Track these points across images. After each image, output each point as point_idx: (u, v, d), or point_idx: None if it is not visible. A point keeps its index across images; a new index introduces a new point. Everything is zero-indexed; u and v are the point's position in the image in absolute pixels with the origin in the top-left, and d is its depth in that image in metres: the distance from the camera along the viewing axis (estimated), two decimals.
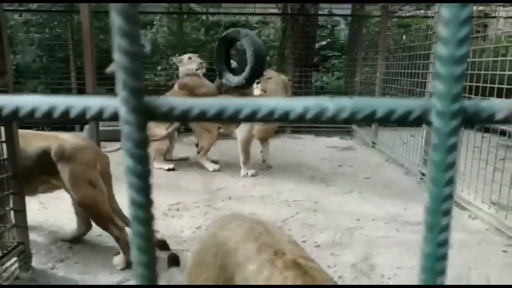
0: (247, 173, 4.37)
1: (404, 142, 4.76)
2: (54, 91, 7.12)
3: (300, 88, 7.17)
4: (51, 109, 0.28)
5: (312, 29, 7.76)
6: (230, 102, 0.27)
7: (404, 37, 8.52)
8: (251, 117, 0.27)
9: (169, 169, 4.48)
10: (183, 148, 5.41)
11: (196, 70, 4.73)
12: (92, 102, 0.28)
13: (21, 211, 2.26)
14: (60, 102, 0.28)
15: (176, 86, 4.85)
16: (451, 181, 0.28)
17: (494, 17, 6.26)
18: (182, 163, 4.85)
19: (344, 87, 7.47)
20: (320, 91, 7.53)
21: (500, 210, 2.95)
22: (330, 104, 0.27)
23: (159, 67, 7.52)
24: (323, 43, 8.42)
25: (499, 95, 3.06)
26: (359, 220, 3.11)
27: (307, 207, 3.43)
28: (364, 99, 0.27)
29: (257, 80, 4.33)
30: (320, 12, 7.96)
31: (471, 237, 2.84)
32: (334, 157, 5.30)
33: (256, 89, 4.29)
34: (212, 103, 0.27)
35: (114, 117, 0.28)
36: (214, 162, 4.66)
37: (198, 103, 0.28)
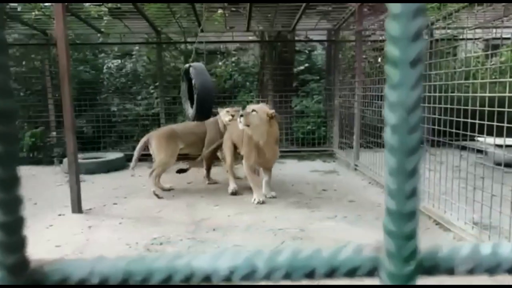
0: (254, 199, 4.35)
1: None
2: (32, 124, 6.99)
3: (280, 113, 7.24)
4: None
5: (290, 54, 7.93)
6: (138, 266, 0.25)
7: (379, 59, 8.77)
8: (166, 282, 0.25)
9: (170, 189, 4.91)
10: (169, 176, 5.31)
11: (229, 121, 4.93)
12: None
13: None
14: None
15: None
16: None
17: (462, 39, 6.54)
18: (164, 193, 4.77)
19: (324, 110, 7.58)
20: (300, 115, 7.61)
21: (483, 230, 2.99)
22: (261, 263, 0.25)
23: (139, 97, 7.50)
24: (301, 68, 8.59)
25: (473, 117, 3.16)
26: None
27: (293, 235, 3.39)
28: (305, 253, 0.26)
29: (240, 113, 4.28)
30: (297, 38, 8.15)
31: None
32: (318, 181, 5.31)
33: (240, 124, 4.23)
34: (117, 268, 0.24)
35: None
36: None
37: (98, 269, 0.24)
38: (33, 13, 6.20)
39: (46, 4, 6.16)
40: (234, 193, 4.68)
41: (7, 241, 0.24)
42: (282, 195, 4.59)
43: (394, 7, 0.25)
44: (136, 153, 4.90)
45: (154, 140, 4.84)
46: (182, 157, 5.20)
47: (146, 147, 4.91)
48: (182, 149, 4.98)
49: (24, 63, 7.41)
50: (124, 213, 4.04)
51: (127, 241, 3.27)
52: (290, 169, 6.14)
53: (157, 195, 4.57)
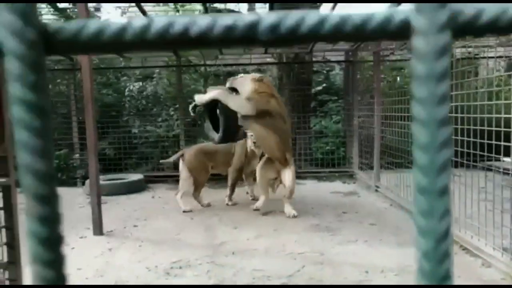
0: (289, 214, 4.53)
1: (407, 185, 4.71)
2: (56, 146, 7.19)
3: (299, 133, 7.24)
4: None
5: (307, 75, 7.97)
6: None
7: (398, 79, 8.69)
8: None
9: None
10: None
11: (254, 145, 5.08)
12: None
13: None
14: None
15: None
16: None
17: (484, 57, 6.45)
18: (183, 215, 4.78)
19: (342, 130, 7.53)
20: (319, 136, 7.57)
21: None
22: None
23: (159, 119, 7.63)
24: (319, 88, 8.60)
25: (497, 138, 3.08)
26: (368, 272, 3.00)
27: (313, 259, 3.32)
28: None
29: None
30: (314, 59, 8.20)
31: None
32: (338, 203, 5.23)
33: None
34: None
35: None
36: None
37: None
38: None
39: None
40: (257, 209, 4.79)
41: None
42: (301, 217, 4.53)
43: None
44: (171, 159, 5.44)
45: (187, 156, 5.12)
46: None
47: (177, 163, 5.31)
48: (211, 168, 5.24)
49: (50, 87, 7.69)
50: (144, 236, 4.06)
51: (146, 264, 3.28)
52: (310, 190, 6.08)
53: (188, 210, 4.90)
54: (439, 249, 0.28)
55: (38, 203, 0.27)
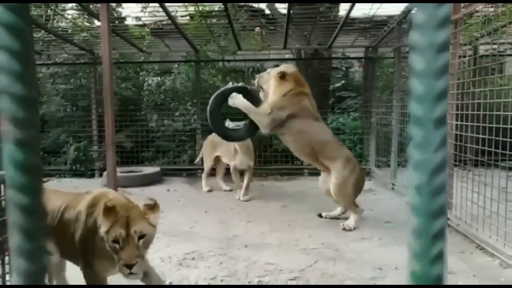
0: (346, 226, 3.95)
1: None
2: (76, 138, 7.36)
3: None
4: None
5: (326, 71, 7.89)
6: None
7: None
8: None
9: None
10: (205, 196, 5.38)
11: None
12: None
13: None
14: None
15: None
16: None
17: (510, 55, 6.24)
18: (197, 209, 4.81)
19: (360, 127, 7.43)
20: (337, 133, 7.49)
21: None
22: None
23: (177, 113, 7.70)
24: (338, 84, 8.51)
25: None
26: (381, 269, 2.96)
27: (327, 255, 3.30)
28: None
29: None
30: (333, 56, 8.12)
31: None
32: None
33: None
34: None
35: None
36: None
37: None
38: (82, 34, 6.61)
39: (94, 25, 6.55)
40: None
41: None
42: (316, 214, 4.49)
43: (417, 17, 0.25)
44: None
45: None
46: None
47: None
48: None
49: (72, 81, 7.86)
50: (159, 228, 4.07)
51: (161, 255, 3.31)
52: None
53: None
54: (431, 227, 0.26)
55: (21, 194, 0.27)
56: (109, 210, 1.90)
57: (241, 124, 4.55)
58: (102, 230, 1.92)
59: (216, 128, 4.46)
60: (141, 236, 1.92)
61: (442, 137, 0.27)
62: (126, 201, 2.16)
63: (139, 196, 5.42)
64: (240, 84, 4.61)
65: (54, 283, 2.55)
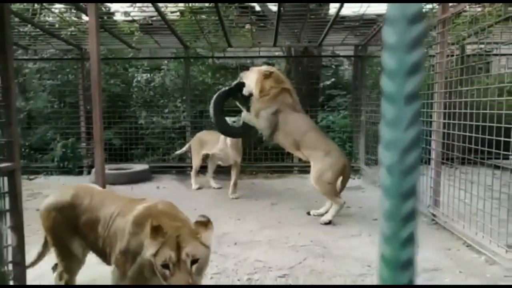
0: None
1: None
2: (64, 135, 7.25)
3: None
4: None
5: (316, 69, 7.91)
6: None
7: None
8: None
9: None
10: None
11: None
12: None
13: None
14: None
15: None
16: None
17: (496, 55, 6.34)
18: (186, 206, 4.79)
19: (350, 125, 7.48)
20: (326, 131, 7.53)
21: None
22: None
23: (166, 110, 7.65)
24: (328, 82, 8.54)
25: (506, 135, 3.02)
26: (370, 266, 2.99)
27: (316, 252, 3.32)
28: None
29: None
30: (323, 54, 8.14)
31: (489, 284, 2.70)
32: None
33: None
34: None
35: None
36: None
37: None
38: (70, 29, 6.50)
39: (82, 20, 6.45)
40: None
41: None
42: (305, 211, 4.52)
43: (390, 11, 0.24)
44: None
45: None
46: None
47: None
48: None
49: (59, 76, 7.73)
50: None
51: None
52: None
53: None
54: (402, 208, 0.26)
55: None
56: (157, 230, 1.69)
57: (235, 119, 4.98)
58: (149, 252, 1.71)
59: (225, 130, 4.87)
60: (194, 261, 1.68)
61: (414, 114, 0.27)
62: (174, 214, 2.00)
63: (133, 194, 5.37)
64: (234, 83, 4.89)
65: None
